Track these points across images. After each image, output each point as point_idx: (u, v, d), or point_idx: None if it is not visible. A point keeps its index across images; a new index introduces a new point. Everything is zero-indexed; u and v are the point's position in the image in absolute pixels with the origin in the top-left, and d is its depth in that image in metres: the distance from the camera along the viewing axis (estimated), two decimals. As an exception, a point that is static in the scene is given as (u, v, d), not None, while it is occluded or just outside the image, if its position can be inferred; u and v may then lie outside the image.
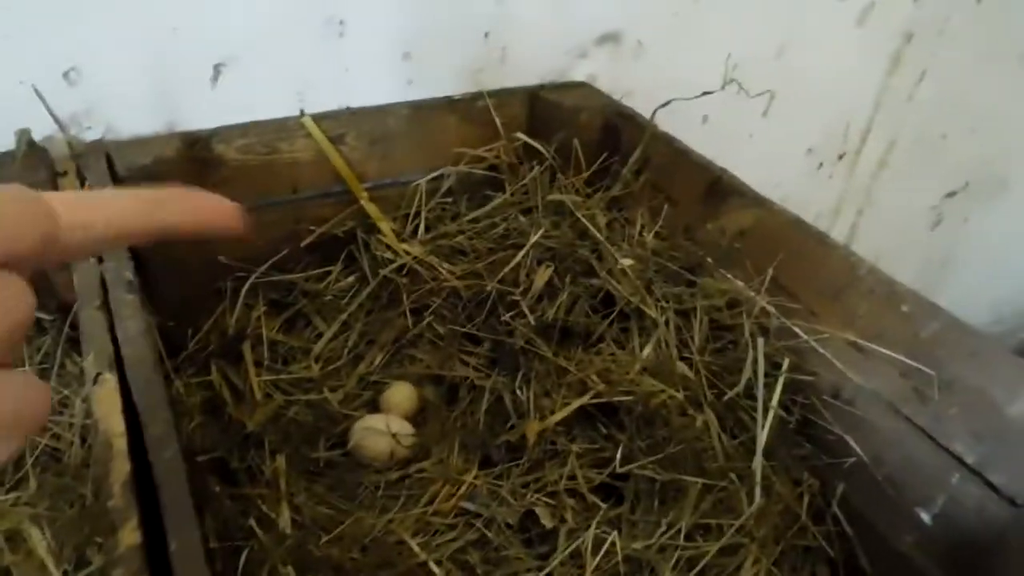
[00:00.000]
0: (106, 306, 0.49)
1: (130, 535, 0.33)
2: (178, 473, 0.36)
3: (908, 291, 0.59)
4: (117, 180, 0.69)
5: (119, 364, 0.45)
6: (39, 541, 0.65)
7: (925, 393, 0.57)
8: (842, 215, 1.59)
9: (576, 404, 0.73)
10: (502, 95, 0.95)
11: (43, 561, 0.64)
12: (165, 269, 0.78)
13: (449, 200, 0.95)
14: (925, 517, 0.58)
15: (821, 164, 1.46)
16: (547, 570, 0.61)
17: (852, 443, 0.63)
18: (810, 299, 0.68)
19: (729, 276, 0.77)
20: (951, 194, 1.70)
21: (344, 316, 0.90)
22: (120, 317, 0.48)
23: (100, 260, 0.53)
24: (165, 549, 0.34)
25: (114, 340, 0.47)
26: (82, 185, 0.69)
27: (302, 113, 0.83)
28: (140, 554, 0.33)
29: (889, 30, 1.33)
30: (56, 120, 0.71)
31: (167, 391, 0.44)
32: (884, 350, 0.59)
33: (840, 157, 1.48)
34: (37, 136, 0.71)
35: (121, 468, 0.37)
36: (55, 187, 0.68)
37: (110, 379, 0.43)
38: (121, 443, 0.39)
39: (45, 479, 0.70)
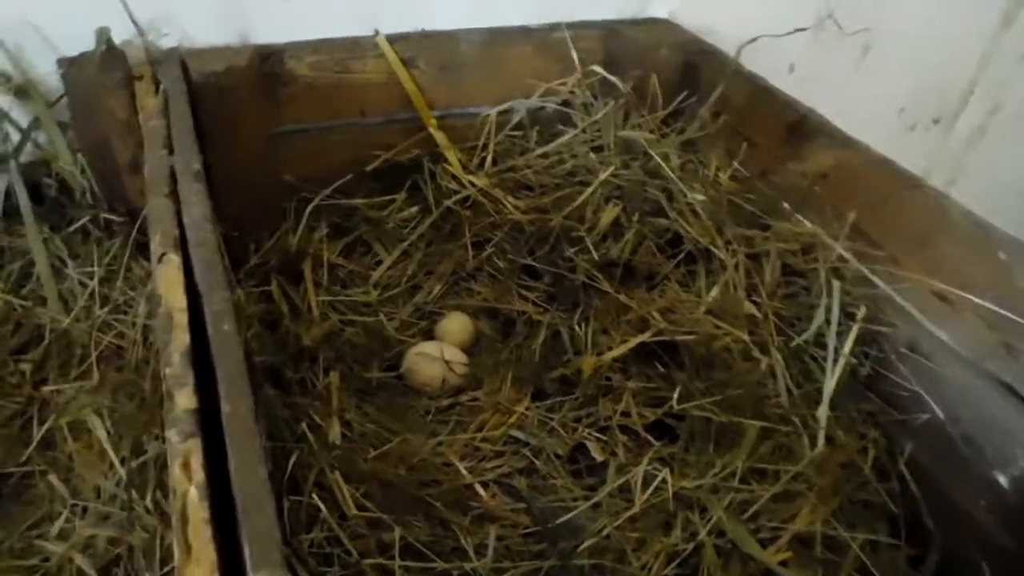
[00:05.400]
0: (174, 194, 0.49)
1: (186, 399, 0.33)
2: (234, 346, 0.36)
3: (1008, 237, 0.55)
4: (191, 86, 0.68)
5: (183, 246, 0.45)
6: (100, 430, 0.68)
7: (1015, 347, 0.53)
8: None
9: (636, 340, 0.71)
10: (579, 27, 0.92)
11: (103, 449, 0.66)
12: (231, 185, 0.78)
13: (519, 134, 0.93)
14: (1002, 480, 0.54)
15: (914, 126, 1.37)
16: (594, 500, 0.60)
17: (927, 398, 0.60)
18: (894, 245, 0.64)
19: (806, 222, 0.73)
20: (1059, 172, 1.57)
21: (405, 245, 0.90)
22: (187, 203, 0.48)
23: (170, 152, 0.53)
24: (220, 417, 0.34)
25: (180, 226, 0.47)
26: (157, 89, 0.69)
27: (376, 32, 0.82)
28: (194, 417, 0.32)
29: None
30: (135, 23, 0.71)
31: (227, 276, 0.44)
32: (972, 298, 0.55)
33: (935, 121, 1.38)
34: (116, 40, 0.71)
35: (181, 339, 0.37)
36: (131, 90, 0.69)
37: (174, 259, 0.43)
38: (182, 317, 0.39)
39: (108, 374, 0.72)
